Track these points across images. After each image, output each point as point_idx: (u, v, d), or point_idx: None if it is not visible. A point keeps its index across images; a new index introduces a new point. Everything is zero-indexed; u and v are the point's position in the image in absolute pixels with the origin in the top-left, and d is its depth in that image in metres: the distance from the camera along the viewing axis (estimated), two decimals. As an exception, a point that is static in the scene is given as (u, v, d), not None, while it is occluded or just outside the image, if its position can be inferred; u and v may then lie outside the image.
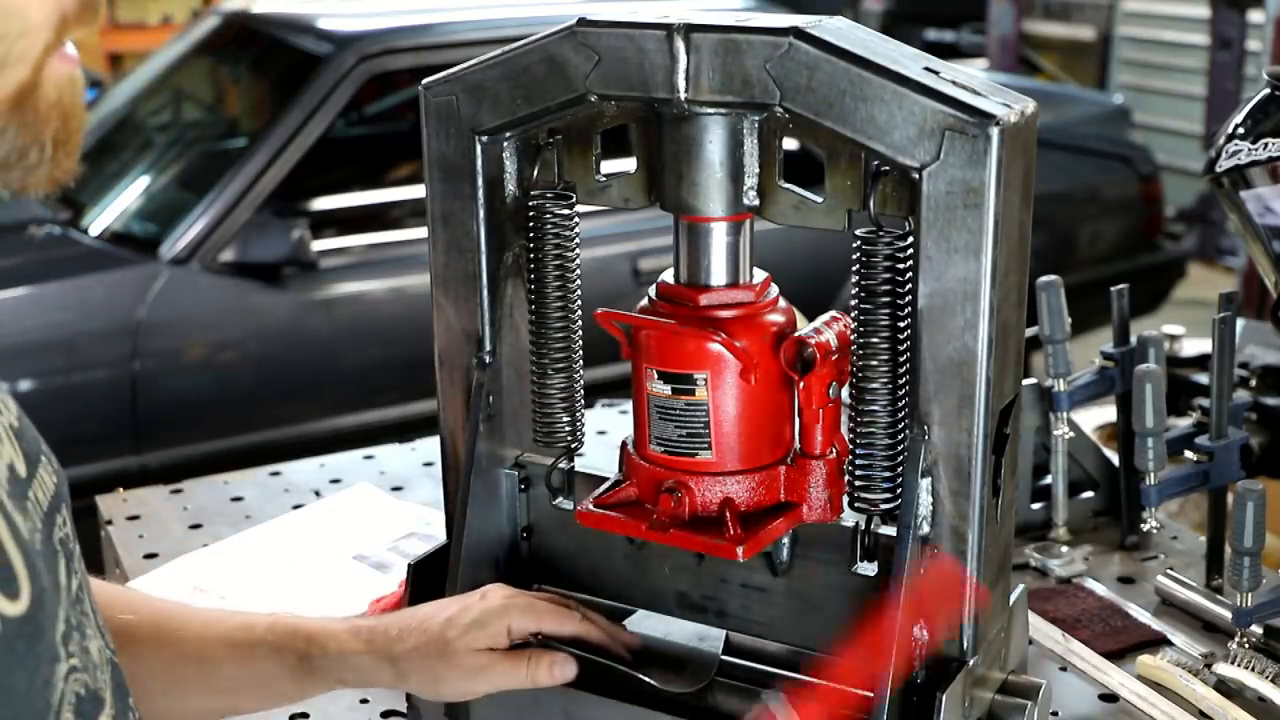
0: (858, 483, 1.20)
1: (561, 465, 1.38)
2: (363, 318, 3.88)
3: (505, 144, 1.28)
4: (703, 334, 1.19)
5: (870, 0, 9.91)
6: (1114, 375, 1.80)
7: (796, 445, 1.24)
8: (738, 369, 1.19)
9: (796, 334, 1.21)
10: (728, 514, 1.20)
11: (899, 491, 1.17)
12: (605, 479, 1.31)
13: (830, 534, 1.26)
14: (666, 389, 1.21)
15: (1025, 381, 1.44)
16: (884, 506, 1.20)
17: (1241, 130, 1.74)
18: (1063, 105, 5.59)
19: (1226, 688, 1.46)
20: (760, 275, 1.26)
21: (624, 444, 1.29)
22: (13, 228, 3.86)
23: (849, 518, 1.24)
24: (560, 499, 1.39)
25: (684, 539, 1.22)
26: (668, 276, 1.27)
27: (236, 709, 1.29)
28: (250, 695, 1.28)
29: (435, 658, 1.23)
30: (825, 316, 1.24)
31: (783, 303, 1.26)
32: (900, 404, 1.16)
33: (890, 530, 1.20)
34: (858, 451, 1.19)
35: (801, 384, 1.20)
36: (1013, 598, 1.28)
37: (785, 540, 1.28)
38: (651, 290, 1.27)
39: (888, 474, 1.18)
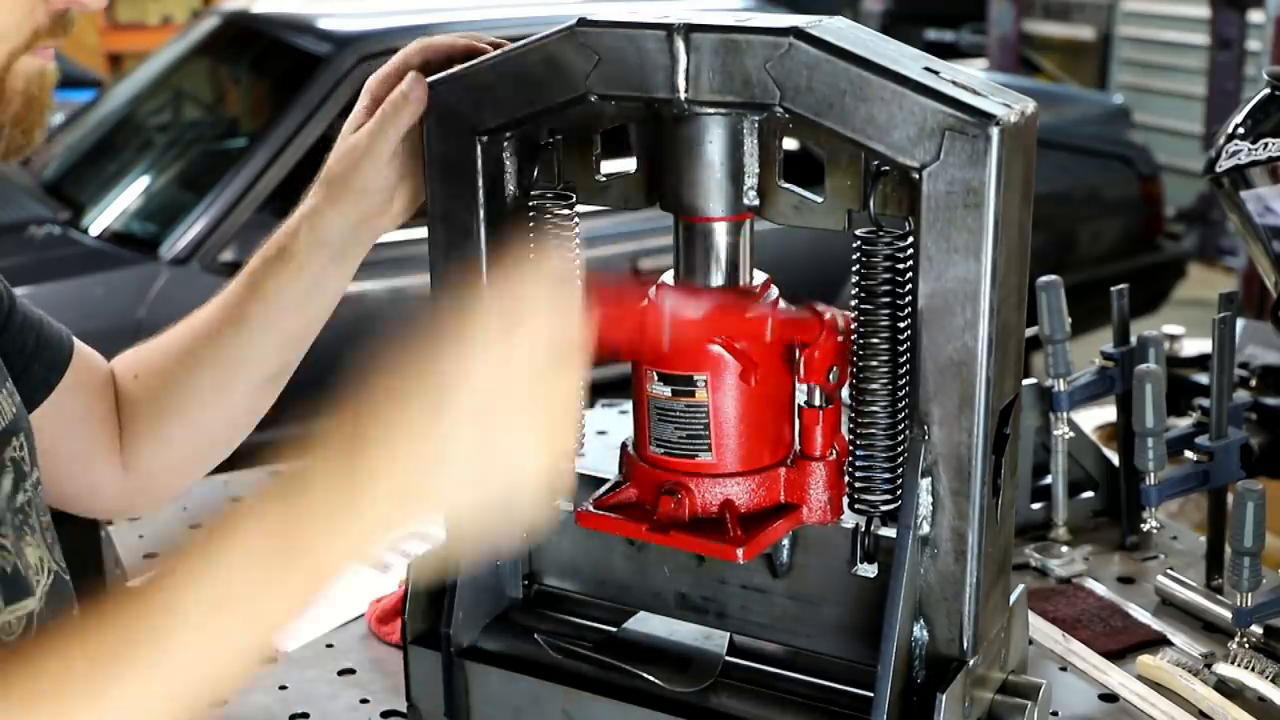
0: (858, 484, 1.19)
1: (561, 466, 1.38)
2: (363, 318, 3.87)
3: (505, 144, 1.28)
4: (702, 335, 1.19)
5: (870, 0, 9.90)
6: (1114, 375, 1.79)
7: (797, 446, 1.24)
8: (738, 371, 1.19)
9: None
10: (728, 515, 1.20)
11: (899, 493, 1.17)
12: (605, 480, 1.30)
13: (830, 535, 1.26)
14: (666, 390, 1.20)
15: (1025, 381, 1.44)
16: (884, 508, 1.19)
17: (1241, 130, 1.74)
18: (1063, 105, 5.59)
19: (1226, 688, 1.46)
20: (760, 277, 1.26)
21: (624, 445, 1.29)
22: (13, 228, 3.85)
23: (849, 519, 1.24)
24: (560, 499, 1.39)
25: (684, 541, 1.22)
26: (668, 277, 1.26)
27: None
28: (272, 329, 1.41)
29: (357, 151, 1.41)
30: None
31: (783, 305, 1.26)
32: (900, 404, 1.16)
33: (890, 532, 1.20)
34: (858, 452, 1.19)
35: (802, 357, 1.19)
36: (1013, 598, 1.28)
37: (785, 542, 1.28)
38: (651, 291, 1.26)
39: (888, 475, 1.18)
